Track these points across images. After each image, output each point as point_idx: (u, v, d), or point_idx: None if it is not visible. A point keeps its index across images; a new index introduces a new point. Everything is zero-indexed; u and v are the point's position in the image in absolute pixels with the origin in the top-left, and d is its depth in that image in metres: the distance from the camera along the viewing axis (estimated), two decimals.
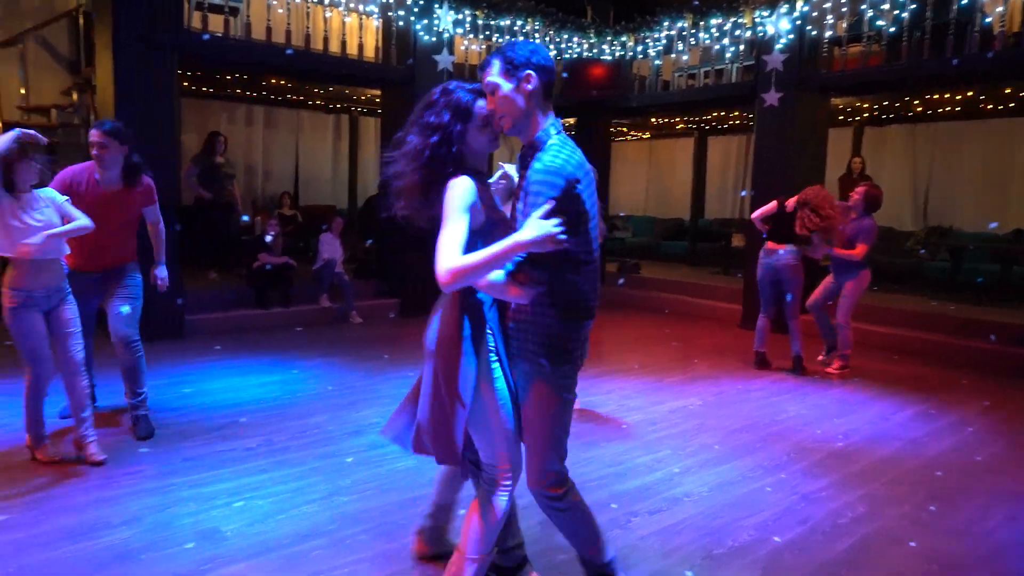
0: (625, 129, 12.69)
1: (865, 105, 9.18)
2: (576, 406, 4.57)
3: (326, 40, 7.57)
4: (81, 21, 7.86)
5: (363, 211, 9.87)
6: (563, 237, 1.84)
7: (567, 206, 1.91)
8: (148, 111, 6.13)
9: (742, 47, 8.42)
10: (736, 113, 10.11)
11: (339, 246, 7.95)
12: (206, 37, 6.54)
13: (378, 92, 8.82)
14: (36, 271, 3.40)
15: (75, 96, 7.85)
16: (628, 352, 6.73)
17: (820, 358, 6.32)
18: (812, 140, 7.88)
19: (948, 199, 10.20)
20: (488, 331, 2.06)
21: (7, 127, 7.59)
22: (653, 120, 11.26)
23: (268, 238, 7.45)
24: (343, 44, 7.66)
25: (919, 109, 9.29)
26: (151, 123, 6.08)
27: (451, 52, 8.11)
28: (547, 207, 1.87)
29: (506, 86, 2.01)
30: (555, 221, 1.84)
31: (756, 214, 6.04)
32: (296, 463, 3.69)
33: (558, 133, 2.04)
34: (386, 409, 4.54)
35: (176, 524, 2.98)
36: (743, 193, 11.69)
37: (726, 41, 8.44)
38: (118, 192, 3.94)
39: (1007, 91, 7.71)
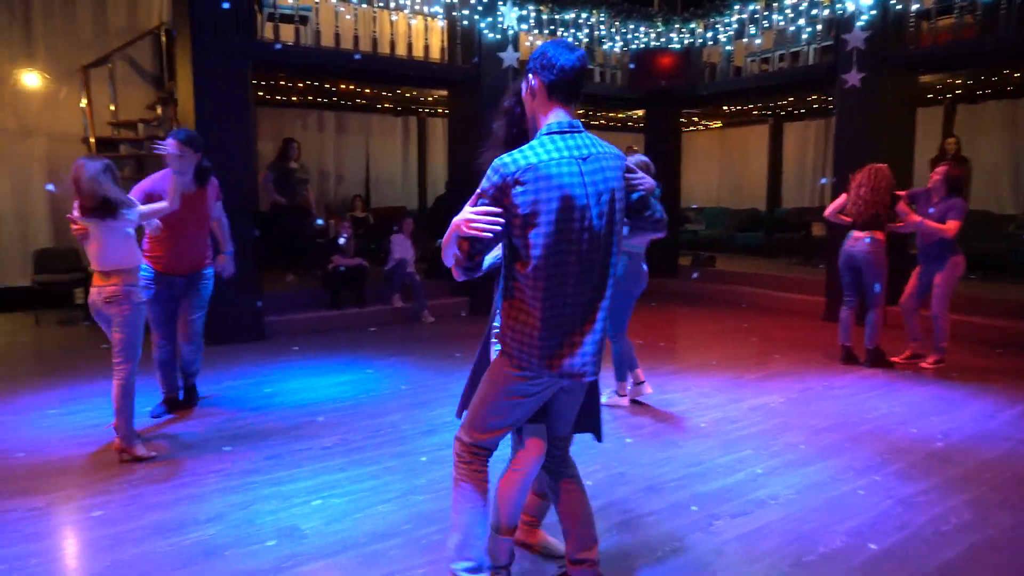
0: (696, 119, 12.35)
1: (958, 81, 8.61)
2: (651, 403, 4.41)
3: (392, 44, 7.68)
4: (163, 38, 8.24)
5: (432, 211, 9.97)
6: (482, 226, 1.96)
7: (499, 201, 1.99)
8: (226, 120, 6.36)
9: (819, 27, 8.04)
10: (814, 97, 9.66)
11: (410, 246, 8.05)
12: (278, 47, 6.73)
13: (445, 92, 8.88)
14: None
15: (159, 110, 8.23)
16: (705, 347, 6.53)
17: (902, 357, 5.87)
18: (898, 121, 7.44)
19: None
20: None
21: (100, 143, 8.08)
22: (725, 108, 10.91)
23: (341, 240, 7.62)
24: (409, 46, 7.74)
25: (1019, 84, 8.63)
26: (229, 132, 6.31)
27: (516, 49, 8.07)
28: (475, 194, 2.03)
29: (524, 86, 2.15)
30: (479, 209, 1.98)
31: (828, 211, 5.76)
32: (371, 462, 3.72)
33: (548, 134, 2.04)
34: (454, 407, 4.54)
35: (258, 521, 3.05)
36: (823, 181, 11.18)
37: (802, 22, 8.07)
38: (193, 195, 4.27)
39: None
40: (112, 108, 8.20)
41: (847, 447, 3.97)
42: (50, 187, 7.87)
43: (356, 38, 7.38)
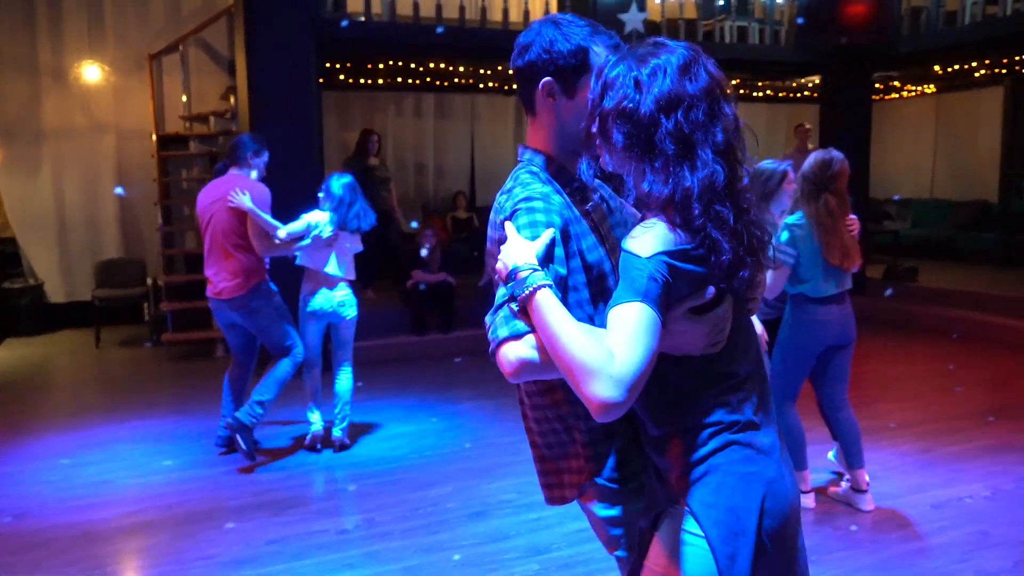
0: (897, 83, 11.09)
1: None
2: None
3: (484, 10, 7.42)
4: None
5: None
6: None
7: None
8: (286, 109, 6.39)
9: None
10: None
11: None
12: (344, 24, 6.69)
13: None
14: None
15: (232, 99, 8.54)
16: (885, 398, 5.70)
17: None
18: None
19: None
20: None
21: (169, 140, 8.53)
22: (937, 68, 9.66)
23: (424, 252, 7.48)
24: (504, 13, 7.45)
25: None
26: (290, 122, 6.33)
27: (641, 8, 7.56)
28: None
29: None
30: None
31: None
32: (391, 557, 3.44)
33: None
34: (523, 480, 4.20)
35: None
36: None
37: None
38: None
39: None
40: (184, 99, 8.62)
41: None
42: (119, 191, 8.42)
43: (439, 6, 7.21)
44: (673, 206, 1.38)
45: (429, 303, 7.47)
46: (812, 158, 3.74)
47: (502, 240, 1.50)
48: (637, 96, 1.38)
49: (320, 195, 4.69)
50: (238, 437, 4.40)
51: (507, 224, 1.51)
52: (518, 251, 1.43)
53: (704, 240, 1.35)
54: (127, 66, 8.62)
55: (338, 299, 4.68)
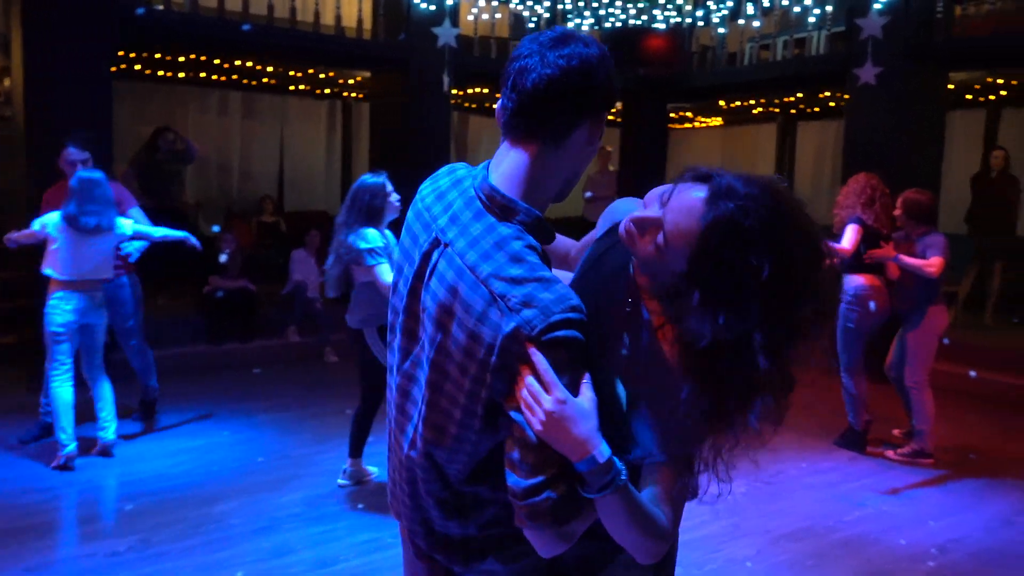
0: (690, 114, 12.05)
1: (999, 81, 8.33)
2: None
3: (293, 11, 7.29)
4: None
5: None
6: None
7: None
8: (69, 96, 5.94)
9: (829, 8, 7.73)
10: (827, 94, 9.38)
11: (314, 265, 7.65)
12: (141, 11, 6.33)
13: (368, 73, 8.52)
14: None
15: (7, 81, 7.80)
16: None
17: (897, 431, 5.51)
18: (923, 128, 7.13)
19: None
20: None
21: None
22: (722, 103, 10.61)
23: (222, 257, 7.21)
24: (316, 15, 7.36)
25: None
26: (73, 111, 5.89)
27: (455, 24, 7.73)
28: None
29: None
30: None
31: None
32: None
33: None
34: (313, 493, 4.18)
35: None
36: None
37: (808, 2, 7.77)
38: None
39: None
40: None
41: (809, 567, 3.59)
42: None
43: (245, 2, 6.99)
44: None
45: (227, 311, 7.19)
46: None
47: (520, 357, 1.19)
48: None
49: None
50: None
51: (541, 356, 1.18)
52: (585, 424, 1.18)
53: None
54: None
55: (86, 303, 4.41)
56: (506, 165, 1.32)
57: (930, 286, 4.86)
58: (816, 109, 10.76)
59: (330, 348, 7.37)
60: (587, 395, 1.20)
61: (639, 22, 9.03)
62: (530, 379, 1.18)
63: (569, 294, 1.23)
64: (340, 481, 4.31)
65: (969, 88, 8.67)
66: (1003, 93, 9.03)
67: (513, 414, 1.22)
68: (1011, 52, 6.76)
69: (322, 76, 9.12)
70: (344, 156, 10.92)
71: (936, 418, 5.03)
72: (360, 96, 10.34)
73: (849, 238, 4.90)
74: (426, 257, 1.34)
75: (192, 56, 8.15)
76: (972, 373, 6.59)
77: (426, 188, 1.45)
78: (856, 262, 4.95)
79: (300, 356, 7.33)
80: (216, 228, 9.08)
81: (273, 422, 5.49)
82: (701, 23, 8.90)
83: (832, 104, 10.19)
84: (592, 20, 8.97)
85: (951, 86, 7.60)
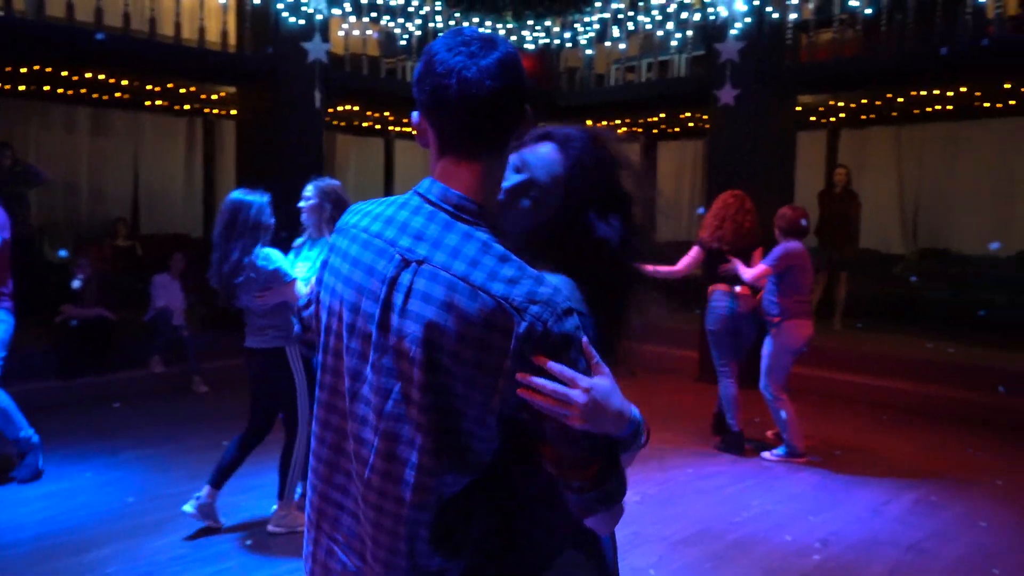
0: None
1: (840, 104, 9.02)
2: None
3: (152, 21, 6.90)
4: None
5: None
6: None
7: None
8: None
9: (690, 33, 8.14)
10: (687, 114, 9.84)
11: (179, 290, 7.25)
12: None
13: (233, 89, 8.18)
14: None
15: None
16: None
17: (769, 433, 5.79)
18: (777, 147, 7.60)
19: (942, 215, 10.11)
20: None
21: None
22: (589, 122, 10.88)
23: (76, 283, 6.68)
24: (176, 26, 7.00)
25: (904, 108, 9.18)
26: None
27: (325, 39, 7.55)
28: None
29: None
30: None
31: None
32: None
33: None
34: (201, 533, 3.89)
35: None
36: (700, 211, 11.44)
37: (670, 26, 8.14)
38: None
39: (1007, 86, 7.61)
40: None
41: (707, 569, 3.69)
42: None
43: (99, 10, 6.55)
44: None
45: (82, 341, 6.65)
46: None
47: (535, 357, 1.19)
48: None
49: None
50: None
51: (562, 343, 1.21)
52: (616, 395, 1.25)
53: None
54: None
55: None
56: (463, 179, 1.29)
57: (785, 300, 5.13)
58: (676, 129, 11.28)
59: (199, 378, 6.96)
60: (604, 371, 1.24)
61: None
62: (551, 384, 1.18)
63: (560, 285, 1.28)
64: (272, 529, 3.93)
65: (813, 110, 9.33)
66: (842, 115, 9.79)
67: (545, 426, 1.22)
68: (850, 77, 7.34)
69: (182, 91, 8.66)
70: (206, 176, 10.42)
71: (802, 418, 5.34)
72: (223, 113, 9.90)
73: (683, 259, 5.35)
74: (393, 283, 1.26)
75: (36, 67, 7.54)
76: (830, 376, 7.06)
77: (356, 218, 1.38)
78: (713, 275, 5.36)
79: (166, 388, 6.88)
80: (63, 253, 8.44)
81: (140, 460, 5.11)
82: (569, 44, 9.13)
83: (691, 124, 10.71)
84: None
85: (799, 108, 8.16)
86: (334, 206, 3.76)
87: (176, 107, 9.72)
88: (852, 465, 5.23)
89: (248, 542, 3.86)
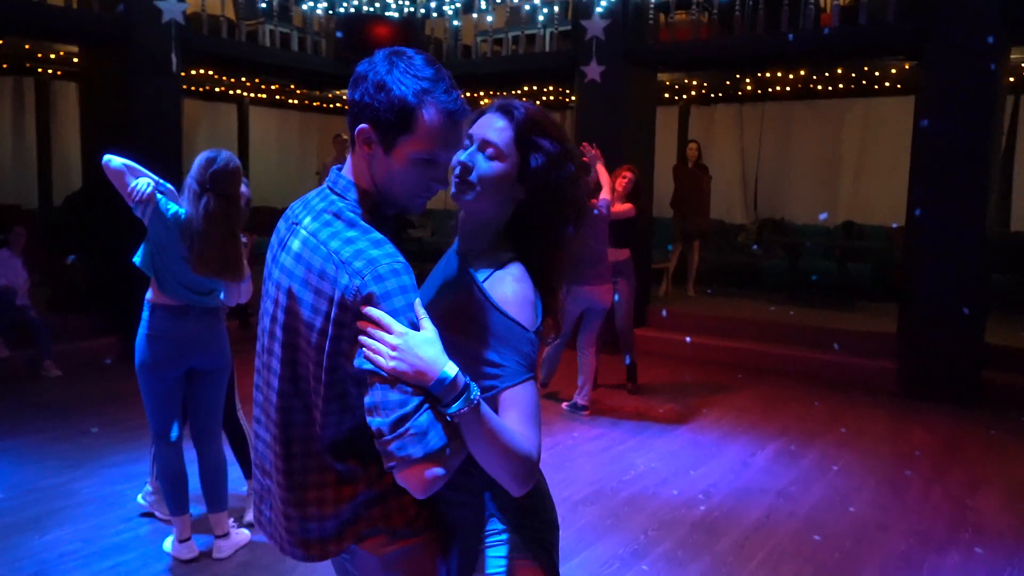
0: None
1: (693, 82, 9.54)
2: None
3: None
4: None
5: (62, 213, 8.42)
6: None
7: None
8: None
9: (556, 8, 8.30)
10: (549, 89, 10.06)
11: (21, 267, 6.66)
12: None
13: (75, 48, 7.53)
14: None
15: None
16: None
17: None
18: (640, 122, 7.96)
19: (778, 188, 10.97)
20: None
21: None
22: None
23: None
24: None
25: (748, 88, 9.84)
26: None
27: None
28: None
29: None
30: None
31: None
32: None
33: None
34: (91, 524, 3.71)
35: None
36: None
37: (537, 0, 8.27)
38: None
39: (839, 71, 8.35)
40: None
41: (608, 526, 3.92)
42: None
43: None
44: None
45: None
46: (199, 157, 3.35)
47: (357, 314, 1.36)
48: None
49: None
50: None
51: (379, 305, 1.36)
52: (428, 349, 1.34)
53: None
54: None
55: None
56: (351, 168, 1.56)
57: (589, 264, 5.58)
58: (539, 102, 11.48)
59: (51, 361, 6.46)
60: (427, 326, 1.37)
61: (372, 10, 8.97)
62: (369, 328, 1.35)
63: (395, 251, 1.42)
64: (239, 525, 3.71)
65: (668, 88, 9.81)
66: (692, 93, 10.36)
67: (360, 364, 1.36)
68: (708, 58, 7.79)
69: (13, 47, 7.87)
70: (40, 142, 9.54)
71: (667, 380, 5.76)
72: (59, 73, 9.08)
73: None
74: (282, 242, 1.56)
75: None
76: (687, 339, 7.55)
77: (297, 204, 1.62)
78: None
79: (12, 373, 6.34)
80: None
81: (6, 451, 4.72)
82: (435, 14, 9.06)
83: (551, 98, 10.96)
84: (326, 4, 8.74)
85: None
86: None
87: (3, 65, 8.83)
88: (719, 422, 5.67)
89: (145, 529, 3.71)
